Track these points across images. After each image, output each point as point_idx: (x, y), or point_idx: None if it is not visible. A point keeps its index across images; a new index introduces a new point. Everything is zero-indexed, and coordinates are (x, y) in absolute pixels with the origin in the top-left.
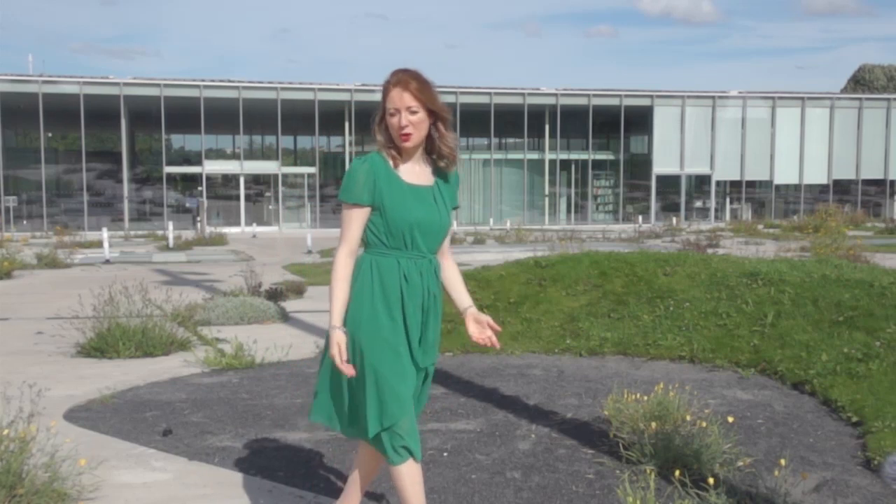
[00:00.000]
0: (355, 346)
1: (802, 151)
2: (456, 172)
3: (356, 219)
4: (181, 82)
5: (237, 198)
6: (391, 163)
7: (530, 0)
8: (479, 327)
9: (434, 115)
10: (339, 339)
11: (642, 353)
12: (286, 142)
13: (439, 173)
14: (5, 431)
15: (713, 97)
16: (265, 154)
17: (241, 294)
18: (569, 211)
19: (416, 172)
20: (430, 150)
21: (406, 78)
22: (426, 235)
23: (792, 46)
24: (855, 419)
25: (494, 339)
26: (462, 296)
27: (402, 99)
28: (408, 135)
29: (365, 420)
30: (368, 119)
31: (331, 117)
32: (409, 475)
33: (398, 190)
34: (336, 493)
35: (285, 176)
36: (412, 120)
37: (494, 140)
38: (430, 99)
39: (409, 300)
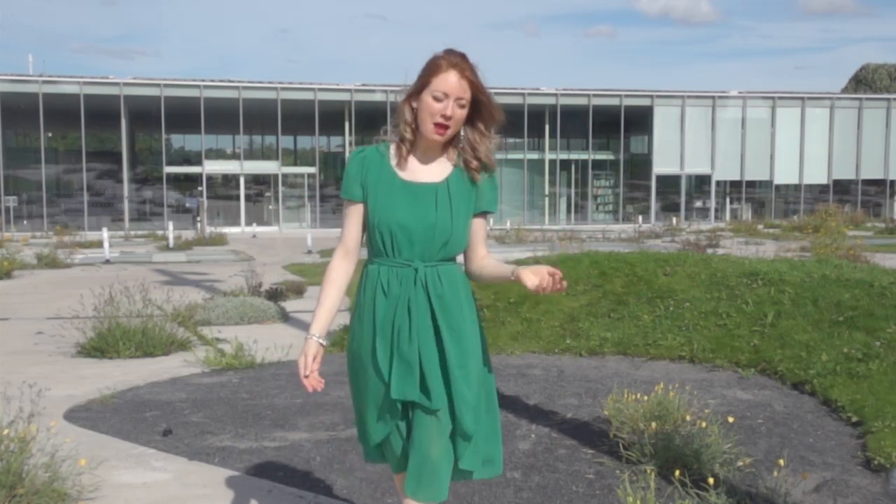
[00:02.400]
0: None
1: (802, 151)
2: (489, 173)
3: (351, 216)
4: (181, 82)
5: (237, 198)
6: (392, 158)
7: (529, 0)
8: (538, 275)
9: (477, 111)
10: (309, 348)
11: (642, 353)
12: (286, 142)
13: (460, 169)
14: (5, 431)
15: (713, 97)
16: (265, 154)
17: (241, 294)
18: (569, 211)
19: (423, 168)
20: (465, 148)
21: (464, 64)
22: (414, 241)
23: (792, 46)
24: (855, 419)
25: (559, 281)
26: (504, 267)
27: (459, 86)
28: (444, 128)
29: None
30: (368, 119)
31: (331, 117)
32: (398, 481)
33: (386, 187)
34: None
35: (285, 176)
36: (457, 114)
37: None
38: (484, 93)
39: (380, 315)
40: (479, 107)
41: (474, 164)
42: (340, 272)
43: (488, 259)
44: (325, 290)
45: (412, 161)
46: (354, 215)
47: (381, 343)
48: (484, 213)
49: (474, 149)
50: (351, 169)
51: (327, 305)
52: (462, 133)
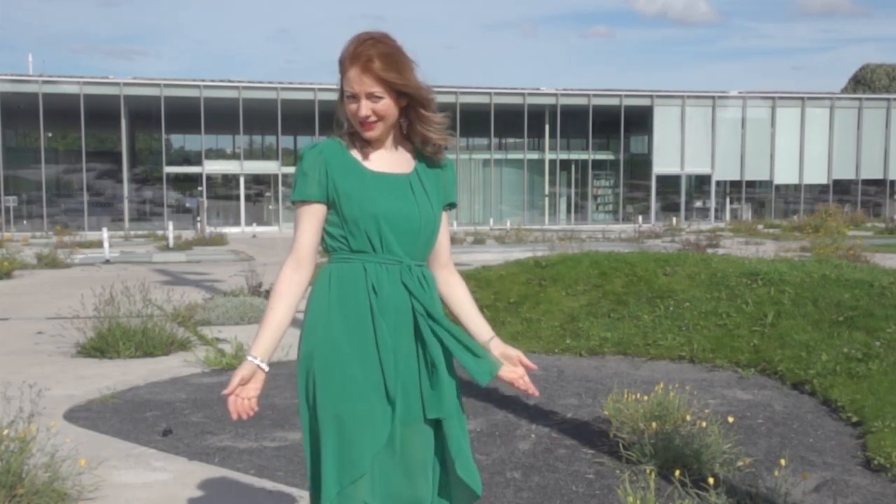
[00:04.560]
0: (308, 381)
1: (802, 151)
2: (450, 162)
3: (306, 219)
4: (181, 82)
5: (237, 198)
6: (352, 149)
7: (525, 1)
8: (510, 364)
9: (407, 97)
10: (244, 370)
11: (642, 353)
12: (286, 142)
13: (423, 159)
14: (6, 431)
15: (713, 97)
16: (265, 154)
17: (241, 294)
18: (569, 211)
19: (386, 159)
20: (410, 135)
21: (366, 53)
22: (400, 233)
23: (792, 47)
24: (855, 419)
25: (529, 382)
26: (479, 325)
27: (362, 82)
28: (370, 125)
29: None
30: None
31: (330, 117)
32: None
33: (357, 178)
34: None
35: (285, 176)
36: (376, 109)
37: (494, 140)
38: (399, 80)
39: (380, 318)
40: (405, 94)
41: (429, 149)
42: (293, 285)
43: (456, 282)
44: (274, 305)
45: (374, 153)
46: (309, 218)
47: (387, 352)
48: (448, 206)
49: (424, 136)
50: (306, 165)
51: (274, 324)
52: (403, 123)
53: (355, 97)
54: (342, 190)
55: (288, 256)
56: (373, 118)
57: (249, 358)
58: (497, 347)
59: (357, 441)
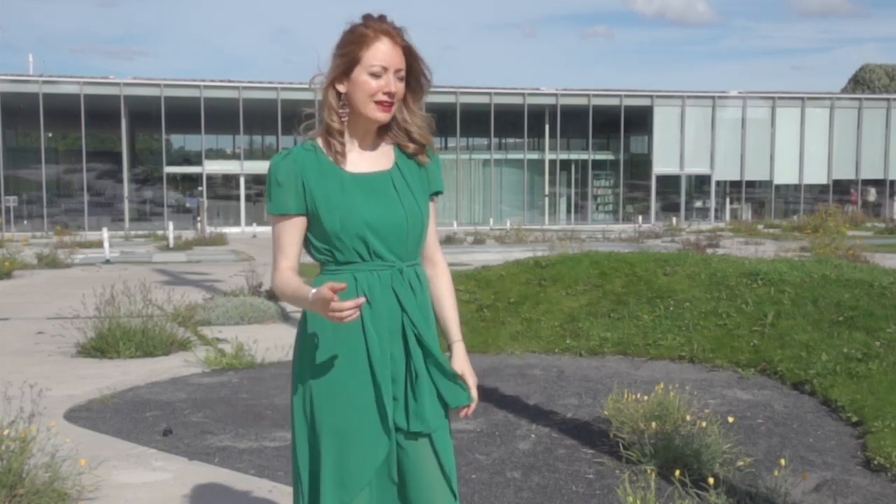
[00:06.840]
0: (305, 396)
1: (802, 151)
2: (430, 150)
3: (290, 232)
4: (181, 82)
5: (237, 198)
6: (326, 153)
7: (523, 2)
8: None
9: (410, 82)
10: (323, 287)
11: (642, 353)
12: (286, 142)
13: (402, 151)
14: (6, 431)
15: (713, 97)
16: (265, 154)
17: (241, 294)
18: (569, 211)
19: (366, 157)
20: (390, 128)
21: (393, 29)
22: (387, 238)
23: (791, 47)
24: (855, 419)
25: (469, 408)
26: (452, 325)
27: (395, 56)
28: (389, 106)
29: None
30: None
31: None
32: None
33: (336, 185)
34: None
35: None
36: (399, 89)
37: (494, 140)
38: (419, 58)
39: (372, 330)
40: (407, 79)
41: (411, 147)
42: (294, 276)
43: (440, 274)
44: (290, 283)
45: (351, 153)
46: (292, 231)
47: (382, 363)
48: (434, 195)
49: (407, 131)
50: (280, 176)
51: (300, 281)
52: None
53: (384, 70)
54: (321, 201)
55: (277, 261)
56: (393, 98)
57: (313, 289)
58: (457, 357)
59: (356, 455)
